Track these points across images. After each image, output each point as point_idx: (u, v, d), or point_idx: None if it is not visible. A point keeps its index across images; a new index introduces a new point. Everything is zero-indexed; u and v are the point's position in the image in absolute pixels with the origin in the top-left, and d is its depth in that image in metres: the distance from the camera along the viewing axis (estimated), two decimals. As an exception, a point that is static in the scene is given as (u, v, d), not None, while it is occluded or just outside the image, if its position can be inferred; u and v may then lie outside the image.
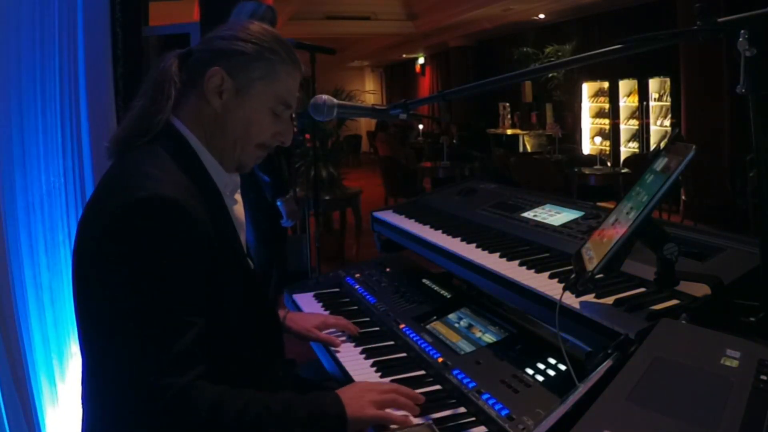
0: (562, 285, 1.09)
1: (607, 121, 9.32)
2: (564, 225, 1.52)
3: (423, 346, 1.38)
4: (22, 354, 1.75)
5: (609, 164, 8.12)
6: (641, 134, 8.51)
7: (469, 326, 1.43)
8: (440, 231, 1.71)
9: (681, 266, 1.03)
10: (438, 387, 1.23)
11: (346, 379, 1.32)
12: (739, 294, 1.01)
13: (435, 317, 1.51)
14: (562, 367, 1.17)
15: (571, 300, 1.08)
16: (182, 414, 0.91)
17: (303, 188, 4.51)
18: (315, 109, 1.41)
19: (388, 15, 12.13)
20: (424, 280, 1.76)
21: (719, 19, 0.91)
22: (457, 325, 1.45)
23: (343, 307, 1.72)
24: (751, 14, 0.88)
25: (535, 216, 1.64)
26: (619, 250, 0.99)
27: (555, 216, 1.60)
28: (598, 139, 9.20)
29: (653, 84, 8.17)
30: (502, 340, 1.34)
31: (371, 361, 1.38)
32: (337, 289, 1.88)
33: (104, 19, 3.07)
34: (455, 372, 1.23)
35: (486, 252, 1.48)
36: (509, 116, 12.18)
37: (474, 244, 1.55)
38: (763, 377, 0.74)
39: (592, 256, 1.05)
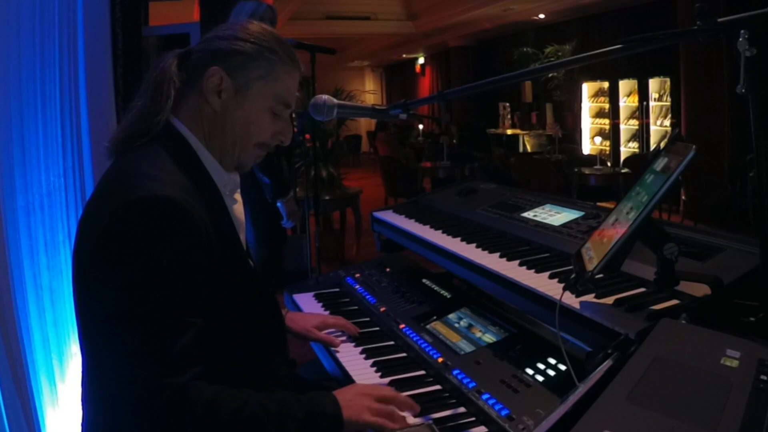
0: (562, 285, 1.09)
1: (607, 121, 9.32)
2: (564, 225, 1.52)
3: (423, 346, 1.38)
4: (22, 354, 1.75)
5: (609, 164, 8.12)
6: (641, 134, 8.51)
7: (469, 326, 1.43)
8: (440, 231, 1.71)
9: (681, 266, 1.03)
10: (438, 387, 1.23)
11: (346, 379, 1.32)
12: (739, 294, 1.01)
13: (435, 317, 1.51)
14: (562, 367, 1.17)
15: (571, 300, 1.08)
16: (179, 413, 0.91)
17: (303, 188, 4.51)
18: (315, 109, 1.41)
19: (388, 15, 12.13)
20: (424, 280, 1.76)
21: (719, 19, 0.91)
22: (457, 325, 1.45)
23: (343, 307, 1.72)
24: (751, 14, 0.88)
25: (535, 216, 1.64)
26: (619, 250, 0.99)
27: (555, 216, 1.60)
28: (598, 139, 9.21)
29: (653, 84, 8.17)
30: (502, 340, 1.34)
31: (371, 361, 1.38)
32: (337, 289, 1.88)
33: (104, 19, 3.07)
34: (455, 372, 1.23)
35: (486, 252, 1.48)
36: (509, 116, 12.18)
37: (474, 244, 1.55)
38: (763, 377, 0.74)
39: (592, 256, 1.05)
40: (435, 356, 1.32)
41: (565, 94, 10.55)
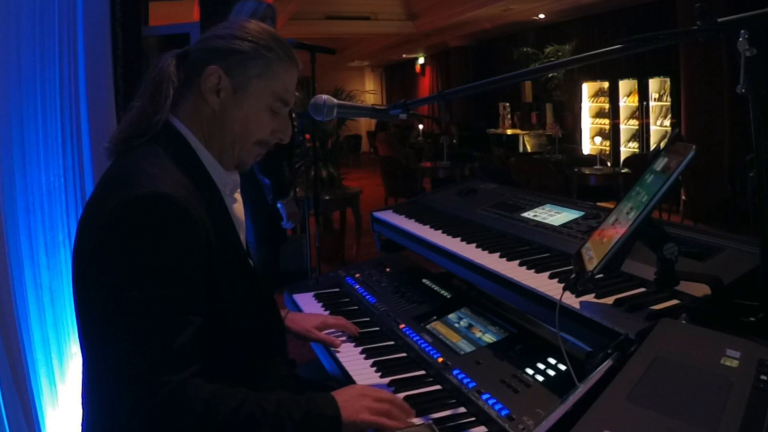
0: (562, 285, 1.09)
1: (607, 121, 9.32)
2: (564, 225, 1.52)
3: (423, 346, 1.38)
4: (22, 354, 1.75)
5: (609, 164, 8.12)
6: (641, 134, 8.51)
7: (469, 326, 1.43)
8: (440, 231, 1.71)
9: (681, 266, 1.03)
10: (438, 387, 1.23)
11: (346, 379, 1.32)
12: (739, 294, 1.01)
13: (435, 317, 1.51)
14: (562, 367, 1.17)
15: (571, 300, 1.08)
16: (176, 411, 0.92)
17: (303, 188, 4.51)
18: (315, 109, 1.41)
19: (388, 15, 12.12)
20: (424, 280, 1.76)
21: (719, 19, 0.91)
22: (457, 325, 1.45)
23: (343, 307, 1.72)
24: (751, 14, 0.88)
25: (535, 216, 1.64)
26: (619, 250, 0.99)
27: (555, 216, 1.60)
28: (598, 139, 9.21)
29: (653, 84, 8.17)
30: (502, 340, 1.34)
31: (371, 361, 1.38)
32: (337, 289, 1.88)
33: (104, 19, 3.07)
34: (455, 372, 1.23)
35: (486, 252, 1.48)
36: (509, 116, 12.18)
37: (474, 244, 1.55)
38: (763, 377, 0.74)
39: (592, 256, 1.05)
40: (435, 356, 1.32)
41: (565, 94, 10.55)
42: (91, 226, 1.01)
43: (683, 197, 6.05)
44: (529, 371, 1.19)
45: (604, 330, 1.00)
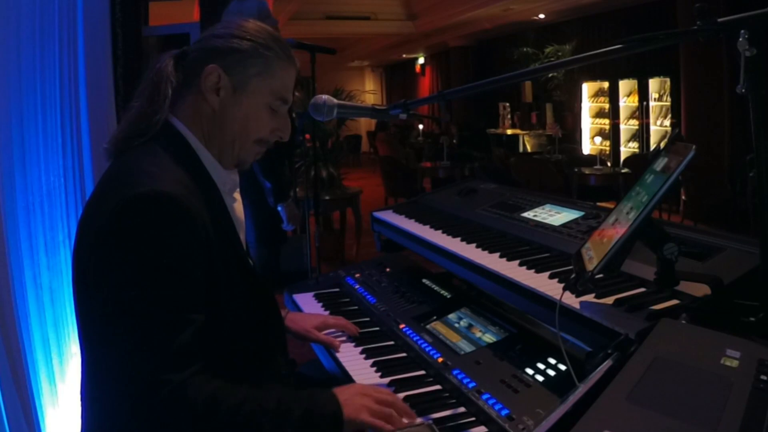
0: (562, 285, 1.09)
1: (607, 121, 9.32)
2: (564, 225, 1.52)
3: (423, 346, 1.37)
4: (22, 354, 1.75)
5: (609, 164, 8.12)
6: (641, 134, 8.51)
7: (469, 326, 1.43)
8: (440, 231, 1.71)
9: (681, 266, 1.03)
10: (438, 387, 1.23)
11: (346, 379, 1.32)
12: (739, 294, 1.01)
13: (435, 317, 1.51)
14: (562, 367, 1.17)
15: (571, 300, 1.08)
16: (177, 410, 0.92)
17: (303, 188, 4.51)
18: (315, 109, 1.41)
19: (388, 15, 12.12)
20: (424, 280, 1.76)
21: (719, 19, 0.91)
22: (457, 325, 1.45)
23: (343, 307, 1.72)
24: (751, 14, 0.88)
25: (535, 216, 1.64)
26: (619, 250, 0.99)
27: (555, 216, 1.60)
28: (598, 139, 9.20)
29: (653, 84, 8.17)
30: (502, 340, 1.34)
31: (371, 361, 1.38)
32: (337, 289, 1.88)
33: (104, 19, 3.07)
34: (455, 372, 1.23)
35: (486, 252, 1.48)
36: (509, 116, 12.18)
37: (474, 244, 1.55)
38: (763, 377, 0.74)
39: (592, 256, 1.05)
40: (435, 356, 1.32)
41: (565, 94, 10.55)
42: (91, 225, 1.01)
43: (683, 197, 6.05)
44: (529, 371, 1.19)
45: (604, 330, 1.00)
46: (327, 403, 1.04)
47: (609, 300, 1.08)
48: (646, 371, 0.77)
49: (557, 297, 1.05)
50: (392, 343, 1.46)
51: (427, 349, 1.35)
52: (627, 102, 8.90)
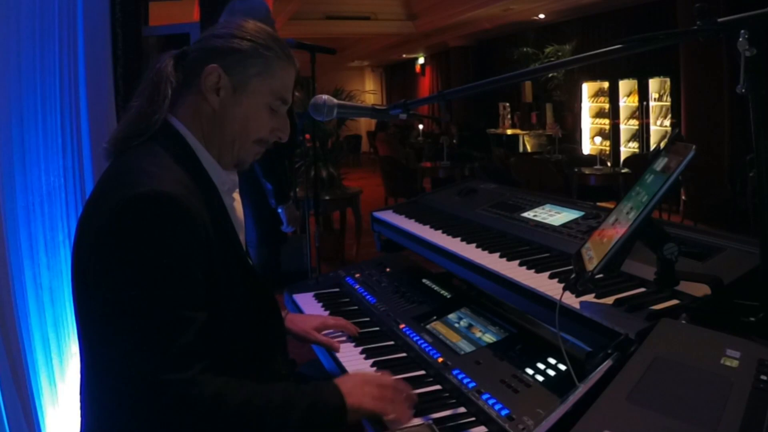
0: (562, 285, 1.09)
1: (607, 121, 9.32)
2: (564, 225, 1.52)
3: (423, 346, 1.38)
4: (22, 354, 1.75)
5: (609, 164, 8.12)
6: (641, 134, 8.51)
7: (469, 326, 1.43)
8: (440, 231, 1.71)
9: (681, 266, 1.03)
10: (438, 387, 1.23)
11: (346, 379, 1.32)
12: (739, 294, 1.01)
13: (435, 317, 1.51)
14: (562, 367, 1.17)
15: (571, 300, 1.08)
16: (186, 409, 0.92)
17: (303, 188, 4.52)
18: (315, 109, 1.41)
19: (388, 15, 12.12)
20: (424, 280, 1.76)
21: (719, 19, 0.91)
22: (457, 325, 1.45)
23: (343, 307, 1.72)
24: (751, 14, 0.88)
25: (535, 216, 1.64)
26: (619, 250, 0.99)
27: (555, 216, 1.60)
28: (598, 139, 9.20)
29: (653, 84, 8.17)
30: (502, 340, 1.34)
31: (371, 361, 1.38)
32: (337, 289, 1.88)
33: (104, 19, 3.07)
34: (455, 372, 1.23)
35: (486, 252, 1.48)
36: (509, 116, 12.18)
37: (474, 244, 1.55)
38: (763, 377, 0.74)
39: (592, 256, 1.05)
40: (435, 356, 1.32)
41: (565, 94, 10.55)
42: (91, 225, 1.01)
43: (683, 197, 6.05)
44: (529, 371, 1.19)
45: (604, 330, 1.00)
46: (330, 395, 1.06)
47: (609, 300, 1.08)
48: (646, 371, 0.77)
49: (557, 297, 1.05)
50: (392, 343, 1.46)
51: (427, 349, 1.35)
52: (627, 102, 8.90)
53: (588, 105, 9.74)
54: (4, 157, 1.80)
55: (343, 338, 1.50)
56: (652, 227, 1.00)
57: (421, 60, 16.69)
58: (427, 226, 1.78)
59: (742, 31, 0.87)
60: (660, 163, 1.04)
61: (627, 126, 8.93)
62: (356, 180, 7.19)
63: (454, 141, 10.72)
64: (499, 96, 12.48)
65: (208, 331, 0.99)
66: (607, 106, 9.29)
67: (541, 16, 10.32)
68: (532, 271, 1.31)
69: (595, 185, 6.46)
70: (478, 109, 13.40)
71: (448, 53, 14.33)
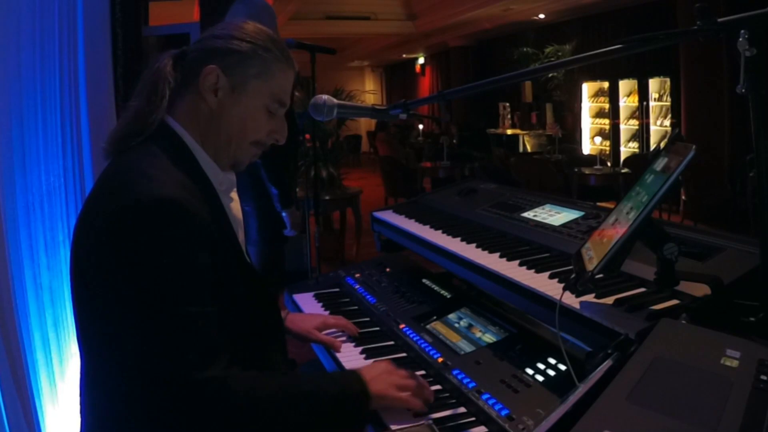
0: (562, 285, 1.09)
1: (607, 121, 9.32)
2: (564, 225, 1.52)
3: (423, 346, 1.38)
4: (22, 354, 1.75)
5: (609, 164, 8.12)
6: (641, 134, 8.51)
7: (469, 326, 1.43)
8: (440, 231, 1.71)
9: (681, 266, 1.03)
10: (438, 387, 1.23)
11: (346, 379, 1.32)
12: (739, 294, 1.01)
13: (435, 317, 1.51)
14: (562, 367, 1.17)
15: (571, 300, 1.08)
16: (223, 403, 0.93)
17: (303, 188, 4.52)
18: (315, 109, 1.41)
19: (388, 15, 12.13)
20: (424, 280, 1.76)
21: (719, 19, 0.91)
22: (457, 325, 1.45)
23: (343, 307, 1.72)
24: (751, 14, 0.88)
25: (535, 216, 1.64)
26: (619, 250, 0.99)
27: (555, 216, 1.60)
28: (598, 139, 9.21)
29: (653, 84, 8.17)
30: (502, 340, 1.34)
31: (371, 361, 1.38)
32: (337, 289, 1.88)
33: (104, 19, 3.07)
34: (455, 372, 1.23)
35: (486, 252, 1.48)
36: (509, 116, 12.18)
37: (474, 244, 1.55)
38: (763, 377, 0.74)
39: (592, 256, 1.05)
40: (435, 356, 1.32)
41: (565, 94, 10.55)
42: (90, 225, 1.01)
43: (683, 197, 6.06)
44: (529, 371, 1.19)
45: (604, 330, 1.00)
46: (355, 382, 1.09)
47: (609, 300, 1.08)
48: (646, 371, 0.77)
49: (557, 297, 1.05)
50: (392, 343, 1.46)
51: (427, 349, 1.35)
52: (627, 102, 8.90)
53: (588, 105, 9.75)
54: (4, 157, 1.80)
55: (344, 338, 1.50)
56: (652, 227, 1.00)
57: (421, 60, 16.69)
58: (427, 226, 1.78)
59: (742, 31, 0.87)
60: (660, 163, 1.04)
61: (627, 126, 8.94)
62: (356, 180, 7.19)
63: (454, 141, 10.73)
64: (499, 96, 12.49)
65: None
66: (607, 106, 9.30)
67: (541, 16, 10.33)
68: (532, 271, 1.31)
69: (595, 185, 6.47)
70: (478, 109, 13.40)
71: (448, 53, 14.33)
